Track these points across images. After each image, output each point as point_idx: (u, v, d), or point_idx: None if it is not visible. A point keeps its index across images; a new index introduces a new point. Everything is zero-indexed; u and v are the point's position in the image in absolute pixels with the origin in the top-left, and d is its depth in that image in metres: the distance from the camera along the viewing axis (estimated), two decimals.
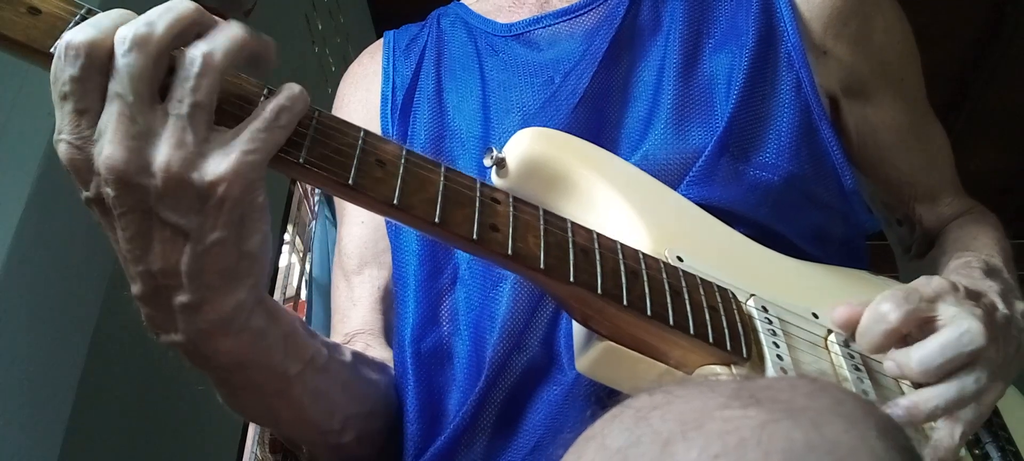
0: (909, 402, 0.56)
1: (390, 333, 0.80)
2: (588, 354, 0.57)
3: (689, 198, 0.69)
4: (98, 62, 0.44)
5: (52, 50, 0.45)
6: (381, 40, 0.94)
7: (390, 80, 0.87)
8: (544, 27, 0.83)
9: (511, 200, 0.54)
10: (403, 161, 0.51)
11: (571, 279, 0.53)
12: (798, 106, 0.75)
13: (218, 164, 0.45)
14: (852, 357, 0.63)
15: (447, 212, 0.51)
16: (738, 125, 0.72)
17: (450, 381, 0.70)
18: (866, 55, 0.80)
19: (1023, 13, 2.61)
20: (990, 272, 0.71)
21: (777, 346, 0.59)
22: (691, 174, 0.70)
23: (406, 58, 0.89)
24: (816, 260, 0.75)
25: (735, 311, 0.59)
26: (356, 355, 0.70)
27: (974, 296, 0.61)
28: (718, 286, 0.60)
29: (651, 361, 0.56)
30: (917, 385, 0.58)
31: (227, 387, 0.57)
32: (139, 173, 0.44)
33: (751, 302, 0.62)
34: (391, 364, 0.76)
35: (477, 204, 0.52)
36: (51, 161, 1.13)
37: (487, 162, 0.63)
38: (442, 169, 0.53)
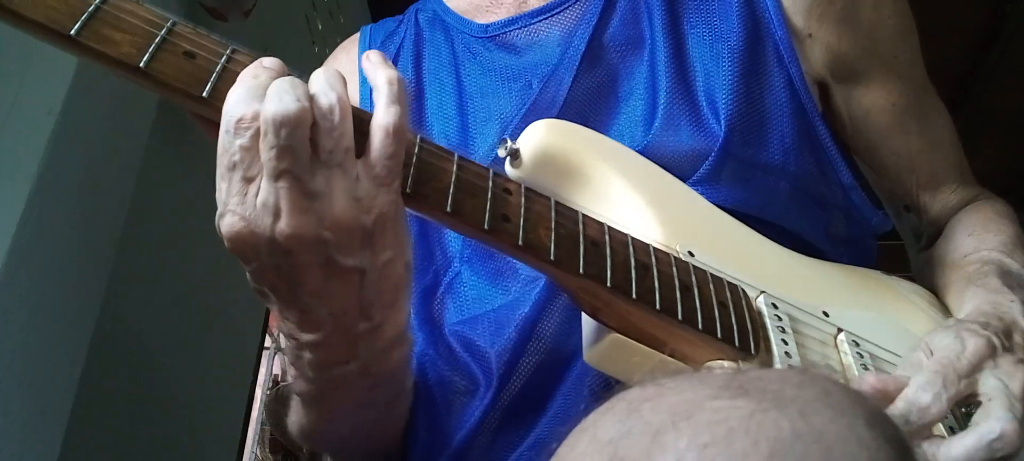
0: None
1: None
2: (597, 347, 0.57)
3: None
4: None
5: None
6: (357, 36, 0.91)
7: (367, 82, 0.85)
8: (520, 28, 0.79)
9: (523, 191, 0.54)
10: (417, 150, 0.51)
11: (581, 271, 0.52)
12: (794, 104, 0.74)
13: (375, 200, 0.46)
14: (861, 357, 0.62)
15: (459, 201, 0.51)
16: (738, 128, 0.71)
17: (453, 381, 0.69)
18: (854, 35, 0.76)
19: (1023, 14, 2.61)
20: (1004, 275, 0.70)
21: (786, 343, 0.59)
22: (697, 175, 0.69)
23: None
24: (828, 258, 0.74)
25: (745, 307, 0.59)
26: None
27: (1008, 333, 0.59)
28: (728, 282, 0.60)
29: (659, 354, 0.56)
30: None
31: (348, 404, 0.59)
32: (317, 232, 0.45)
33: (761, 299, 0.61)
34: None
35: (489, 194, 0.52)
36: (51, 161, 1.13)
37: (501, 152, 0.62)
38: (455, 158, 0.53)
